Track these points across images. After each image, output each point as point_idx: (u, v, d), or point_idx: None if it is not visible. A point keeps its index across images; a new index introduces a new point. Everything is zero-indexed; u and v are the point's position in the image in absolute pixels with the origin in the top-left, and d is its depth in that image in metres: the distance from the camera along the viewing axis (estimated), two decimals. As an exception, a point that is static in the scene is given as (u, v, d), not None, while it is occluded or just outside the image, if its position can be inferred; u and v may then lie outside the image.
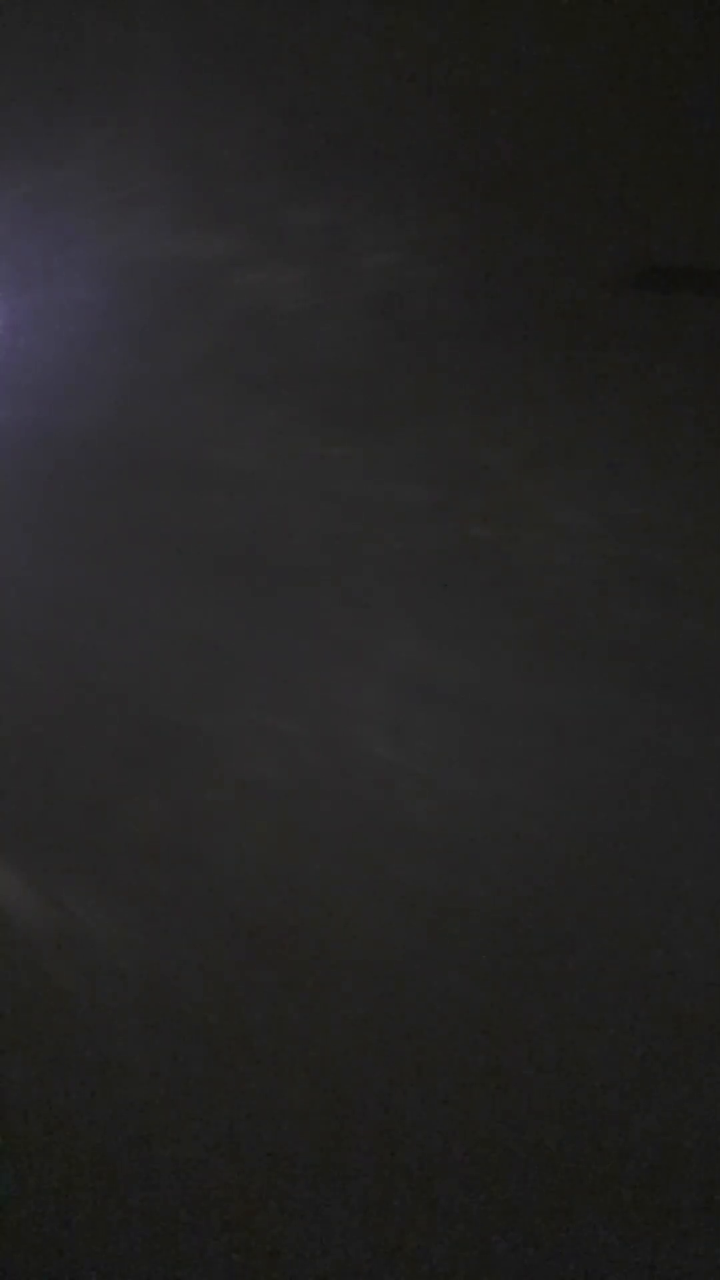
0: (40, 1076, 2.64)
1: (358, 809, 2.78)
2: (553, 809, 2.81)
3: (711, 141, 2.77)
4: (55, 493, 2.84)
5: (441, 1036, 2.70)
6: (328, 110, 2.69)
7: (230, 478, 2.89)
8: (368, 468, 2.91)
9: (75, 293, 2.83)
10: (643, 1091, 2.71)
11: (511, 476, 2.94)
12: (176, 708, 2.80)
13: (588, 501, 2.94)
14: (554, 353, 2.95)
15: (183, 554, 2.85)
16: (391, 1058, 2.69)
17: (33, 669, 2.80)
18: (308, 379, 2.92)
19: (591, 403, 2.96)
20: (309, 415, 2.92)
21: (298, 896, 2.73)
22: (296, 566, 2.87)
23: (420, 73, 2.68)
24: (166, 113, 2.73)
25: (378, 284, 2.87)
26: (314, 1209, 2.63)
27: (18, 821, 2.73)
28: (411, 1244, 2.63)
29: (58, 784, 2.76)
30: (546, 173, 2.78)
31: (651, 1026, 2.73)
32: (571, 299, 2.94)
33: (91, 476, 2.85)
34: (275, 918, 2.72)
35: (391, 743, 2.81)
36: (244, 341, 2.90)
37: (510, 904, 2.76)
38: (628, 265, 2.88)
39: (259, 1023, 2.68)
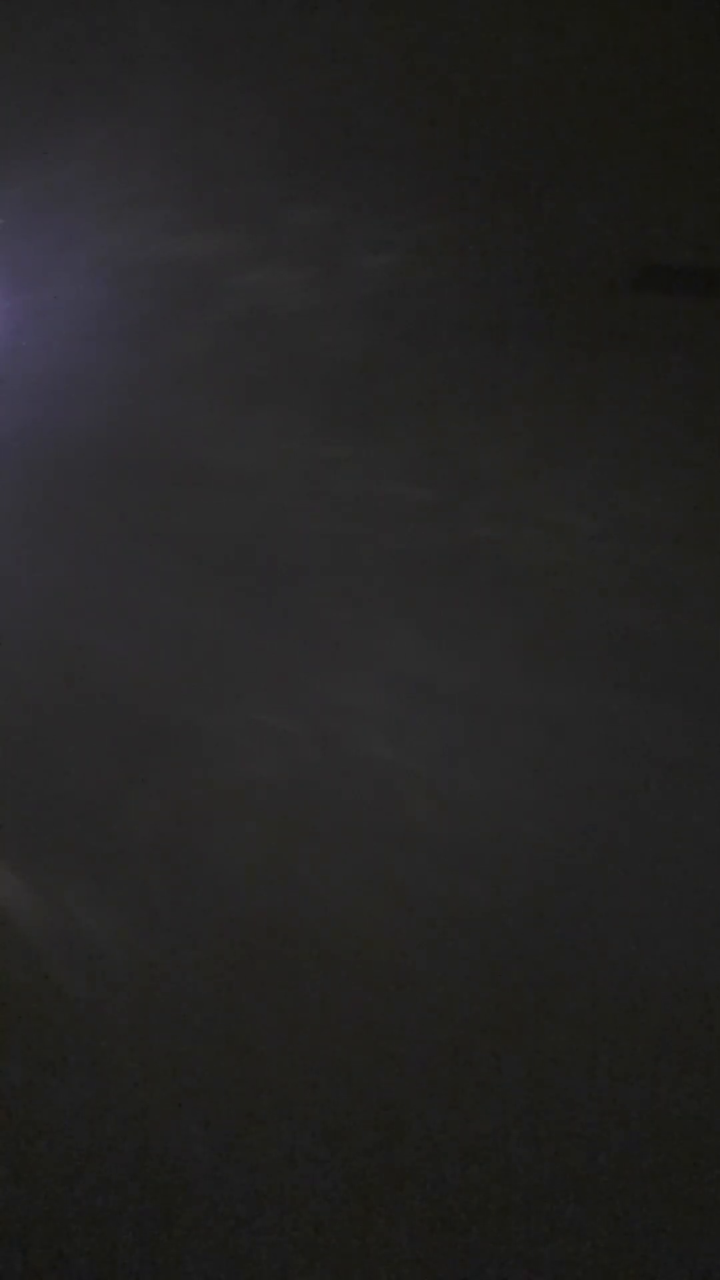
0: (39, 1076, 2.64)
1: (358, 809, 2.78)
2: (553, 809, 2.81)
3: (711, 141, 2.77)
4: (55, 492, 2.84)
5: (441, 1036, 2.70)
6: (328, 110, 2.69)
7: (230, 478, 2.89)
8: (368, 468, 2.91)
9: (75, 293, 2.83)
10: (644, 1091, 2.71)
11: (511, 476, 2.94)
12: (176, 707, 2.81)
13: (588, 501, 2.94)
14: (554, 353, 2.96)
15: (182, 554, 2.85)
16: (391, 1057, 2.69)
17: (32, 668, 2.80)
18: (308, 379, 2.92)
19: (591, 403, 2.97)
20: (309, 415, 2.92)
21: (298, 896, 2.73)
22: (296, 566, 2.87)
23: (420, 73, 2.68)
24: (166, 113, 2.73)
25: (378, 284, 2.88)
26: (314, 1208, 2.63)
27: (18, 821, 2.74)
28: (413, 1244, 2.63)
29: (57, 784, 2.76)
30: (546, 173, 2.78)
31: (652, 1026, 2.73)
32: (571, 299, 2.94)
33: (91, 476, 2.85)
34: (275, 918, 2.72)
35: (391, 743, 2.81)
36: (244, 341, 2.91)
37: (510, 904, 2.76)
38: (627, 265, 2.88)
39: (259, 1022, 2.68)
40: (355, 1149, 2.65)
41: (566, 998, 2.73)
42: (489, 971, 2.73)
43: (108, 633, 2.81)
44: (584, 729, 2.85)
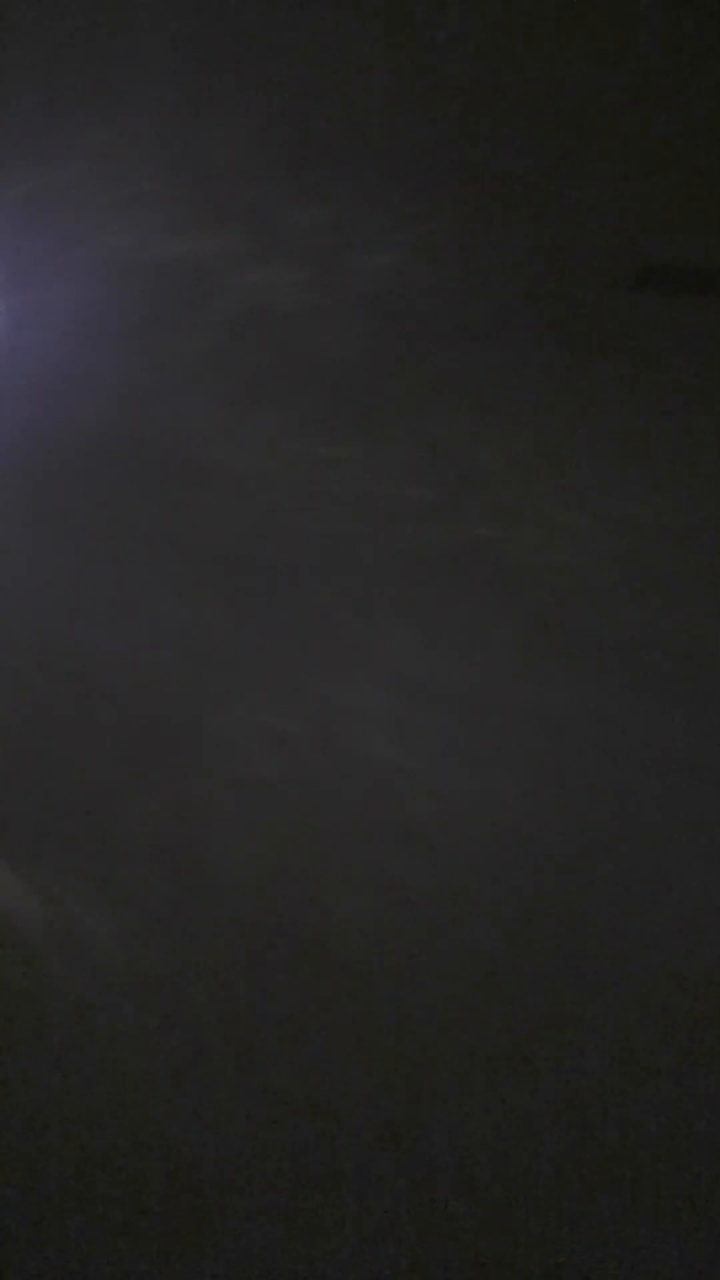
0: (40, 1076, 2.65)
1: (358, 809, 2.78)
2: (553, 809, 2.81)
3: (712, 141, 2.77)
4: (55, 492, 2.84)
5: (441, 1036, 2.70)
6: (328, 110, 2.70)
7: (230, 478, 2.89)
8: (368, 468, 2.91)
9: (75, 293, 2.83)
10: (643, 1091, 2.71)
11: (511, 476, 2.94)
12: (176, 707, 2.81)
13: (588, 501, 2.94)
14: (553, 353, 2.96)
15: (182, 554, 2.85)
16: (391, 1057, 2.69)
17: (32, 669, 2.80)
18: (308, 379, 2.92)
19: (591, 402, 2.97)
20: (309, 415, 2.92)
21: (298, 896, 2.73)
22: (296, 566, 2.87)
23: (420, 72, 2.68)
24: (166, 113, 2.73)
25: (378, 284, 2.88)
26: (314, 1209, 2.63)
27: (18, 821, 2.74)
28: (412, 1243, 2.63)
29: (58, 784, 2.76)
30: (546, 173, 2.79)
31: (651, 1026, 2.73)
32: (571, 299, 2.94)
33: (91, 476, 2.85)
34: (275, 917, 2.72)
35: (391, 743, 2.81)
36: (244, 341, 2.91)
37: (510, 904, 2.76)
38: (627, 265, 2.88)
39: (259, 1022, 2.68)
40: (356, 1148, 2.65)
41: (567, 997, 2.73)
42: (489, 971, 2.74)
43: (108, 633, 2.81)
44: (584, 729, 2.85)
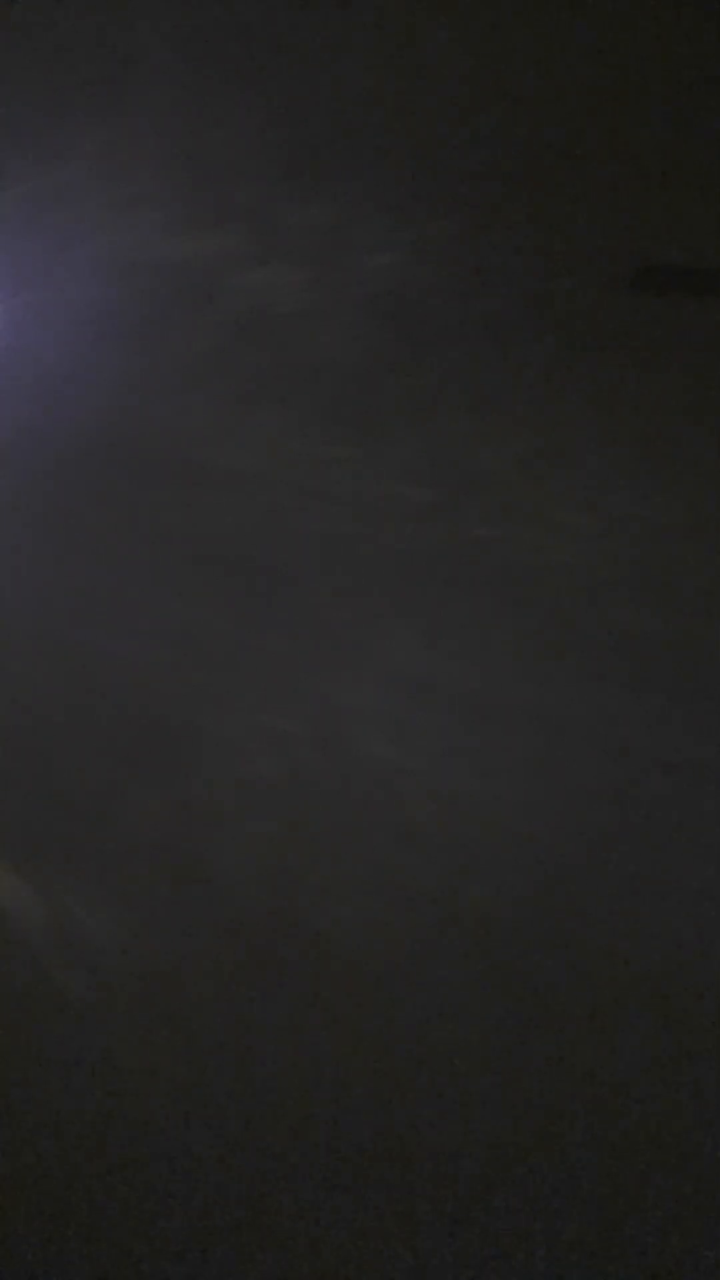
0: (39, 1077, 2.64)
1: (358, 809, 2.78)
2: (553, 809, 2.81)
3: (710, 142, 2.78)
4: (55, 492, 2.84)
5: (441, 1036, 2.70)
6: (328, 110, 2.70)
7: (230, 478, 2.89)
8: (368, 468, 2.91)
9: (75, 293, 2.83)
10: (642, 1091, 2.71)
11: (511, 476, 2.94)
12: (176, 708, 2.80)
13: (588, 501, 2.94)
14: (554, 353, 2.96)
15: (182, 554, 2.85)
16: (391, 1057, 2.69)
17: (32, 669, 2.80)
18: (308, 379, 2.92)
19: (591, 402, 2.97)
20: (309, 415, 2.92)
21: (298, 896, 2.73)
22: (296, 566, 2.87)
23: (420, 73, 2.69)
24: (166, 113, 2.73)
25: (378, 284, 2.88)
26: (315, 1209, 2.62)
27: (18, 821, 2.73)
28: (413, 1243, 2.63)
29: (58, 784, 2.76)
30: (546, 173, 2.79)
31: (650, 1026, 2.73)
32: (570, 299, 2.95)
33: (91, 476, 2.85)
34: (275, 918, 2.72)
35: (391, 743, 2.81)
36: (244, 341, 2.91)
37: (510, 904, 2.76)
38: (625, 265, 2.89)
39: (259, 1023, 2.68)
40: (356, 1149, 2.65)
41: (567, 997, 2.73)
42: (489, 971, 2.73)
43: (108, 633, 2.81)
44: (584, 729, 2.85)
